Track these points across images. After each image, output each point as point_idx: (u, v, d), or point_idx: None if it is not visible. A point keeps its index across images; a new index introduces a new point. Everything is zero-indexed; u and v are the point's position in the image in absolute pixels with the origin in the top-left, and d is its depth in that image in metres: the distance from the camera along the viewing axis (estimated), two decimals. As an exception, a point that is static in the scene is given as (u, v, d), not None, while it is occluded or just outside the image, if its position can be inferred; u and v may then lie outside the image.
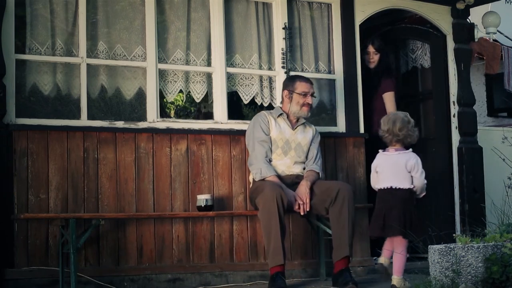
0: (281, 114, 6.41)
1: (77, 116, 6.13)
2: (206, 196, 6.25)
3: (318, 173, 6.39)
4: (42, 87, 6.09)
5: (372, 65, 7.76)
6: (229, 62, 6.76)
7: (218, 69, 6.65)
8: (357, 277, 6.52)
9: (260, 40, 6.91)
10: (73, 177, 6.00)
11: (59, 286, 5.71)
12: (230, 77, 6.77)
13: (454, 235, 5.12)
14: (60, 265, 5.73)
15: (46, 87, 6.11)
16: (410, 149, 5.82)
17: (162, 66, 6.48)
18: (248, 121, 6.67)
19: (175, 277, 6.21)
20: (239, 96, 6.89)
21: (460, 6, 7.75)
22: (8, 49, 5.88)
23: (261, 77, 6.92)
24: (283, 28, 6.92)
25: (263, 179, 6.17)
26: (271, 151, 6.31)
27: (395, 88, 7.74)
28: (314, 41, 7.16)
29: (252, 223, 6.54)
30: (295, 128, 6.43)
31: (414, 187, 5.74)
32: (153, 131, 6.32)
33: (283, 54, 6.89)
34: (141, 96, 6.40)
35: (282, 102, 6.48)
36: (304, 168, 6.40)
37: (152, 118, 6.36)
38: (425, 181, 5.78)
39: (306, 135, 6.45)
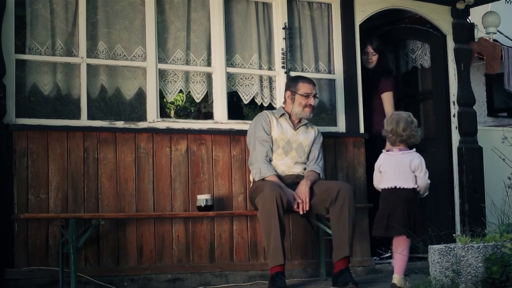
0: (283, 114, 6.41)
1: (77, 116, 6.13)
2: (206, 196, 6.25)
3: (319, 173, 6.39)
4: (42, 87, 6.10)
5: (370, 65, 7.76)
6: (229, 62, 6.76)
7: (218, 69, 6.65)
8: (357, 277, 6.52)
9: (260, 40, 6.92)
10: (73, 177, 6.00)
11: (59, 286, 5.71)
12: (230, 77, 6.77)
13: (454, 235, 5.12)
14: (60, 265, 5.73)
15: (46, 87, 6.11)
16: (414, 149, 5.84)
17: (162, 66, 6.48)
18: (248, 121, 6.68)
19: (175, 277, 6.21)
20: (239, 96, 6.89)
21: (460, 6, 7.75)
22: (8, 49, 5.88)
23: (261, 77, 6.92)
24: (283, 28, 6.92)
25: (263, 179, 6.18)
26: (272, 151, 6.31)
27: (394, 88, 7.74)
28: (314, 41, 7.16)
29: (252, 223, 6.54)
30: (297, 129, 6.42)
31: (418, 187, 5.76)
32: (153, 131, 6.32)
33: (283, 54, 6.89)
34: (141, 96, 6.40)
35: (284, 103, 6.48)
36: (305, 169, 6.40)
37: (152, 118, 6.36)
38: (429, 181, 5.80)
39: (308, 136, 6.45)
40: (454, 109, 7.77)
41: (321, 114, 7.14)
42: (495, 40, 9.56)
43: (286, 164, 6.34)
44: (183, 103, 9.43)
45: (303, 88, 6.36)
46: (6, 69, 5.82)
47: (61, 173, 5.96)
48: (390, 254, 7.20)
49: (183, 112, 9.57)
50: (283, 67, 6.88)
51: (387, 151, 5.94)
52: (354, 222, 6.15)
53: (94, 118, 6.19)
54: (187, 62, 6.61)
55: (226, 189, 6.53)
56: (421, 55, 8.05)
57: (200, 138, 6.48)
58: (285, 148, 6.34)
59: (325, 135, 6.81)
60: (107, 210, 6.06)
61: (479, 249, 4.71)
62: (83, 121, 6.12)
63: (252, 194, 6.22)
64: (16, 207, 5.78)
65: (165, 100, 7.75)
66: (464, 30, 7.83)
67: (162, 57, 6.50)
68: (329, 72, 7.19)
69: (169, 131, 6.38)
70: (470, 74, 7.89)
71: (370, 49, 7.73)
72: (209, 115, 7.17)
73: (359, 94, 7.22)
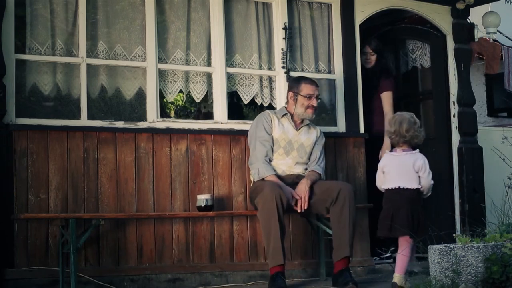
0: (285, 114, 6.41)
1: (77, 116, 6.13)
2: (206, 196, 6.25)
3: (320, 174, 6.38)
4: (42, 87, 6.09)
5: (369, 65, 7.75)
6: (229, 62, 6.76)
7: (218, 69, 6.65)
8: (357, 277, 6.52)
9: (260, 40, 6.92)
10: (73, 177, 6.00)
11: (59, 286, 5.71)
12: (230, 77, 6.77)
13: (454, 235, 5.12)
14: (60, 265, 5.73)
15: (46, 87, 6.11)
16: (417, 150, 5.85)
17: (162, 66, 6.48)
18: (248, 121, 6.69)
19: (175, 277, 6.21)
20: (239, 96, 6.89)
21: (460, 6, 7.75)
22: (8, 49, 5.88)
23: (261, 77, 6.92)
24: (283, 28, 6.92)
25: (263, 179, 6.18)
26: (272, 150, 6.31)
27: (393, 88, 7.73)
28: (314, 41, 7.16)
29: (252, 223, 6.54)
30: (299, 129, 6.42)
31: (421, 187, 5.77)
32: (153, 131, 6.32)
33: (283, 54, 6.89)
34: (141, 96, 6.40)
35: (287, 103, 6.48)
36: (305, 169, 6.39)
37: (152, 118, 6.36)
38: (432, 182, 5.81)
39: (310, 136, 6.45)
40: (454, 109, 7.76)
41: (321, 114, 7.13)
42: (495, 40, 9.57)
43: (287, 164, 6.34)
44: (183, 103, 9.43)
45: (305, 89, 6.36)
46: (6, 69, 5.82)
47: (61, 173, 5.96)
48: (390, 254, 7.21)
49: (183, 112, 9.58)
50: (283, 67, 6.89)
51: (391, 151, 5.94)
52: (355, 222, 6.15)
53: (94, 118, 6.19)
54: (187, 62, 6.61)
55: (226, 189, 6.53)
56: (421, 55, 8.05)
57: (200, 138, 6.48)
58: (286, 148, 6.34)
59: (325, 135, 6.80)
60: (107, 210, 6.06)
61: (479, 249, 4.71)
62: (83, 121, 6.12)
63: (252, 194, 6.22)
64: (16, 207, 5.78)
65: (165, 100, 7.75)
66: (464, 30, 7.83)
67: (162, 57, 6.50)
68: (329, 72, 7.19)
69: (169, 131, 6.38)
70: (470, 74, 7.89)
71: (368, 49, 7.73)
72: (209, 115, 7.17)
73: (359, 94, 7.22)
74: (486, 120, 10.69)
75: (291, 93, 6.41)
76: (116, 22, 6.38)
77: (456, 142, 7.73)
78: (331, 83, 7.19)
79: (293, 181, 6.29)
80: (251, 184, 6.37)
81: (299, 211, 6.18)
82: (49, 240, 5.86)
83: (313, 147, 6.44)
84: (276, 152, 6.32)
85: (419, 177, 5.76)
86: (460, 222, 7.55)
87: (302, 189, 6.18)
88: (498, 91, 10.72)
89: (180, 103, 9.51)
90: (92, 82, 6.24)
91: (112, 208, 6.08)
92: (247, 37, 6.87)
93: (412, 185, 5.75)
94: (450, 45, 7.80)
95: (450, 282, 4.69)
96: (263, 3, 6.96)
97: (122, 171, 6.17)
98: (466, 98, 7.77)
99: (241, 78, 6.84)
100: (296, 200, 6.15)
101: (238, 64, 6.81)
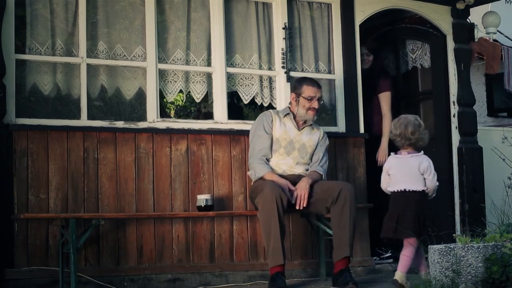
0: (287, 114, 6.40)
1: (77, 116, 6.13)
2: (206, 196, 6.25)
3: (321, 175, 6.37)
4: (42, 87, 6.10)
5: (366, 66, 7.73)
6: (229, 62, 6.76)
7: (218, 69, 6.65)
8: (357, 277, 6.52)
9: (260, 40, 6.91)
10: (73, 177, 6.00)
11: (59, 286, 5.71)
12: (230, 77, 6.77)
13: (454, 235, 5.12)
14: (60, 265, 5.73)
15: (46, 87, 6.11)
16: (422, 152, 5.85)
17: (162, 66, 6.48)
18: (248, 121, 6.69)
19: (175, 277, 6.21)
20: (239, 96, 6.89)
21: (460, 6, 7.75)
22: (8, 49, 5.88)
23: (261, 77, 6.91)
24: (283, 28, 6.92)
25: (262, 179, 6.17)
26: (271, 150, 6.31)
27: (391, 88, 7.73)
28: (314, 41, 7.16)
29: (252, 223, 6.54)
30: (301, 129, 6.42)
31: (427, 189, 5.77)
32: (153, 131, 6.32)
33: (283, 54, 6.89)
34: (141, 96, 6.40)
35: (290, 103, 6.48)
36: (307, 170, 6.38)
37: (152, 118, 6.36)
38: (437, 183, 5.82)
39: (312, 137, 6.44)
40: (454, 109, 7.76)
41: (321, 114, 7.13)
42: (495, 40, 9.57)
43: (287, 164, 6.34)
44: (183, 103, 9.44)
45: (307, 91, 6.36)
46: (6, 69, 5.82)
47: (61, 173, 5.96)
48: (390, 254, 7.21)
49: (183, 112, 9.58)
50: (283, 67, 6.88)
51: (395, 153, 5.94)
52: (355, 222, 6.15)
53: (94, 118, 6.19)
54: (187, 62, 6.61)
55: (226, 189, 6.53)
56: (421, 55, 8.05)
57: (200, 138, 6.48)
58: (287, 148, 6.34)
59: (325, 135, 6.82)
60: (107, 210, 6.06)
61: (479, 249, 4.71)
62: (83, 121, 6.12)
63: (252, 194, 6.22)
64: (16, 207, 5.78)
65: (165, 100, 7.75)
66: (464, 30, 7.83)
67: (162, 57, 6.50)
68: (329, 72, 7.19)
69: (169, 131, 6.38)
70: (470, 74, 7.89)
71: (364, 50, 7.71)
72: (209, 115, 7.17)
73: (359, 94, 7.22)
74: (486, 120, 10.69)
75: (293, 94, 6.42)
76: (116, 22, 6.38)
77: (456, 142, 7.74)
78: (331, 83, 7.19)
79: (293, 181, 6.28)
80: (252, 184, 6.37)
81: (297, 207, 6.17)
82: (49, 240, 5.86)
83: (315, 148, 6.43)
84: (277, 152, 6.32)
85: (424, 179, 5.77)
86: (460, 222, 7.55)
87: (302, 186, 6.17)
88: (498, 91, 10.72)
89: (180, 103, 9.52)
90: (92, 82, 6.24)
91: (112, 208, 6.08)
92: (247, 37, 6.87)
93: (418, 187, 5.75)
94: (450, 45, 7.80)
95: (450, 282, 4.69)
96: (263, 3, 6.96)
97: (122, 171, 6.17)
98: (466, 98, 7.77)
99: (241, 78, 6.84)
100: (296, 195, 6.13)
101: (238, 64, 6.81)
